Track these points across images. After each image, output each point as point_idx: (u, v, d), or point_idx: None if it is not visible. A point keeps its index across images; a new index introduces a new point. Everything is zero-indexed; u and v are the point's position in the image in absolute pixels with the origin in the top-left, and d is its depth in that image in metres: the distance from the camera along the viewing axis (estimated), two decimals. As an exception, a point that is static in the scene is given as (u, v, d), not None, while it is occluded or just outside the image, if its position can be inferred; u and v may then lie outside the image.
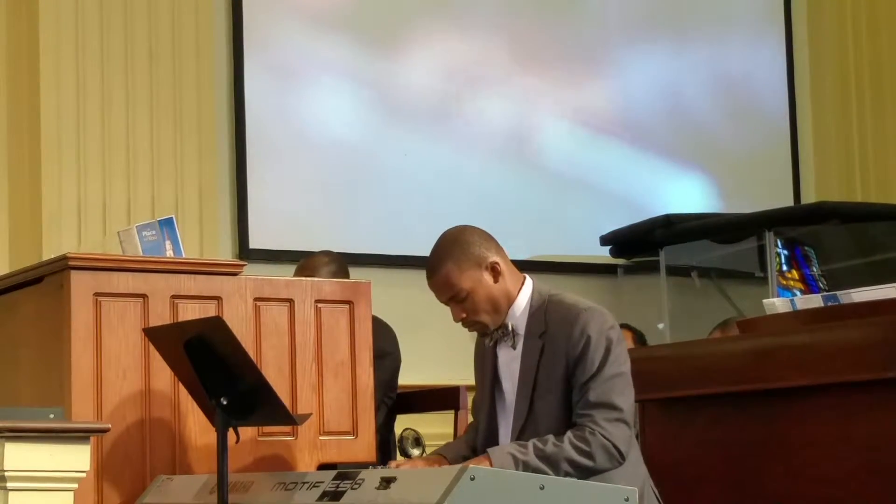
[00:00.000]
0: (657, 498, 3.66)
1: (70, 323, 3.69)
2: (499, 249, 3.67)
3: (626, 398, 3.53)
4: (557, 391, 3.55)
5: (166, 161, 6.19)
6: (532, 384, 3.59)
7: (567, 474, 3.38)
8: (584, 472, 3.41)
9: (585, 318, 3.55)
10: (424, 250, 6.63)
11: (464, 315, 3.64)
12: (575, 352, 3.53)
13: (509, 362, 3.68)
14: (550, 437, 3.46)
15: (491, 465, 3.36)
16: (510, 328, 3.65)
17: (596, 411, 3.48)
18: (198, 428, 3.78)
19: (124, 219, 5.95)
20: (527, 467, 3.37)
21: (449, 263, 3.63)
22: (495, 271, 3.63)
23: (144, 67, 6.20)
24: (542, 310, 3.63)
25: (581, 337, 3.53)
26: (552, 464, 3.40)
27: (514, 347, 3.66)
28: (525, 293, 3.67)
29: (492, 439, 3.69)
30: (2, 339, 4.07)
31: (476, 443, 3.75)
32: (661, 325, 6.89)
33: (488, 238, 3.68)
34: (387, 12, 6.90)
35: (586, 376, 3.51)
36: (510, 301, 3.65)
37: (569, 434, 3.46)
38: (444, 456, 3.71)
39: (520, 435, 3.59)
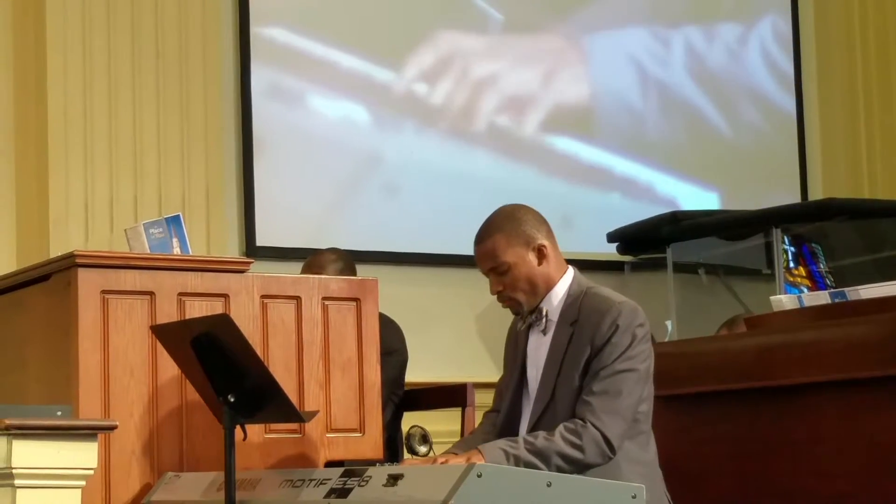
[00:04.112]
0: (669, 502, 3.66)
1: (77, 320, 3.69)
2: (549, 234, 3.71)
3: (630, 394, 3.52)
4: (578, 379, 3.56)
5: (173, 158, 6.20)
6: (557, 370, 3.60)
7: (559, 468, 3.36)
8: (576, 466, 3.41)
9: (617, 310, 3.57)
10: (431, 247, 6.77)
11: (500, 288, 3.67)
12: (600, 342, 3.54)
13: (537, 348, 3.69)
14: (542, 432, 3.47)
15: (483, 460, 3.34)
16: (544, 314, 3.67)
17: (596, 400, 3.49)
18: (205, 425, 3.77)
19: (131, 216, 5.95)
20: (518, 462, 3.37)
21: (498, 235, 3.66)
22: (541, 254, 3.66)
23: (151, 65, 6.20)
24: (577, 300, 3.65)
25: (609, 328, 3.54)
26: (543, 458, 3.40)
27: (544, 334, 3.67)
28: (565, 282, 3.69)
29: (513, 424, 3.69)
30: (9, 336, 4.08)
31: (492, 437, 3.73)
32: (668, 322, 6.89)
33: (542, 221, 3.73)
34: (393, 10, 6.90)
35: (600, 366, 3.53)
36: (549, 286, 3.67)
37: (561, 427, 3.46)
38: (458, 454, 3.69)
39: (539, 419, 3.60)
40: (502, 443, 3.47)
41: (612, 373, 3.52)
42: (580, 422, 3.47)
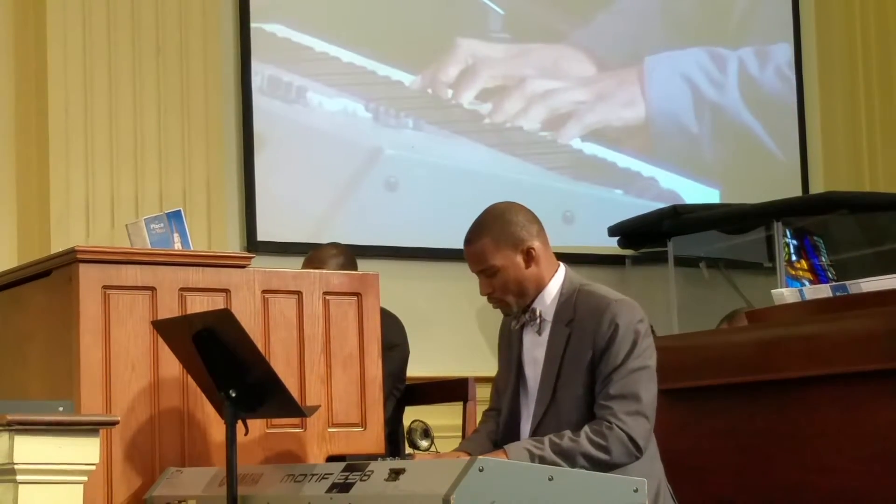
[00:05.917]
0: (672, 496, 3.64)
1: (78, 316, 3.69)
2: (540, 233, 3.67)
3: (647, 392, 3.51)
4: (581, 381, 3.54)
5: (174, 154, 6.20)
6: (556, 372, 3.59)
7: (584, 469, 3.36)
8: (601, 467, 3.39)
9: (615, 309, 3.54)
10: (432, 242, 6.77)
11: (490, 290, 3.65)
12: (602, 343, 3.52)
13: (533, 348, 3.67)
14: (567, 432, 3.46)
15: (507, 459, 3.34)
16: (538, 314, 3.65)
17: (616, 403, 3.47)
18: (207, 420, 3.78)
19: (132, 212, 5.95)
20: (543, 462, 3.36)
21: (486, 238, 3.63)
22: (530, 255, 3.62)
23: (151, 61, 6.20)
24: (571, 299, 3.62)
25: (609, 328, 3.52)
26: (568, 458, 3.39)
27: (539, 334, 3.65)
28: (556, 281, 3.66)
29: (514, 426, 3.69)
30: (10, 332, 4.08)
31: (496, 435, 3.73)
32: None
33: (532, 220, 3.68)
34: (393, 7, 6.90)
35: (610, 368, 3.51)
36: (540, 287, 3.65)
37: (586, 428, 3.46)
38: (467, 452, 3.66)
39: (540, 422, 3.58)
40: (528, 443, 3.47)
41: (626, 373, 3.50)
42: (606, 423, 3.45)
